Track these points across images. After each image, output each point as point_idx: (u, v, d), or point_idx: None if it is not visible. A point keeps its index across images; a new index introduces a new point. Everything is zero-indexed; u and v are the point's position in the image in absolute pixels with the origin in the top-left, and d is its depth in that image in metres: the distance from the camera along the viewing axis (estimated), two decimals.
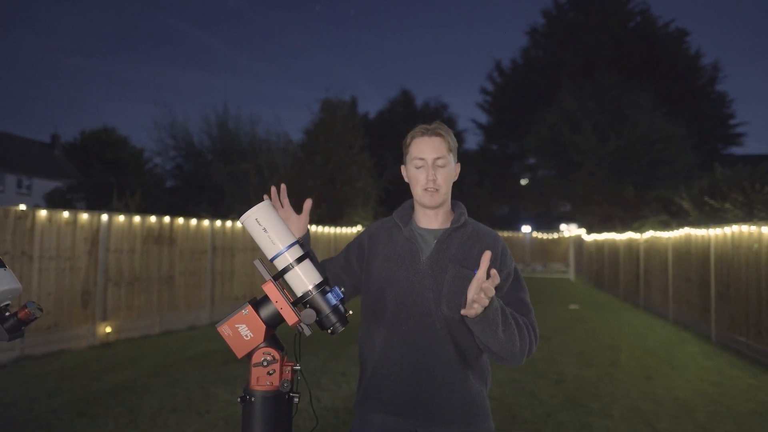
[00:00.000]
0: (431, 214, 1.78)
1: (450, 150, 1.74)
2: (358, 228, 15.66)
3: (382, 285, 1.74)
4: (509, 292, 1.70)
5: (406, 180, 1.81)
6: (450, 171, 1.74)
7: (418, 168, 1.74)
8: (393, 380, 1.68)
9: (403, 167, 1.84)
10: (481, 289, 1.42)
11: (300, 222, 1.87)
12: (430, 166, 1.71)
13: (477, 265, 1.63)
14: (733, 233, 8.18)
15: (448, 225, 1.79)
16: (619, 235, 16.75)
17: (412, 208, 1.86)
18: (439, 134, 1.73)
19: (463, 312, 1.46)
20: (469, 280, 1.63)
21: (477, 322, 1.50)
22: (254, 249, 10.35)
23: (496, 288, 1.65)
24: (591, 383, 5.98)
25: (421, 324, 1.66)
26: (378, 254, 1.80)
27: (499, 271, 1.68)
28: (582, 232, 25.55)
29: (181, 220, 9.11)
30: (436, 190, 1.71)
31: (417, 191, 1.75)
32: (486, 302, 1.43)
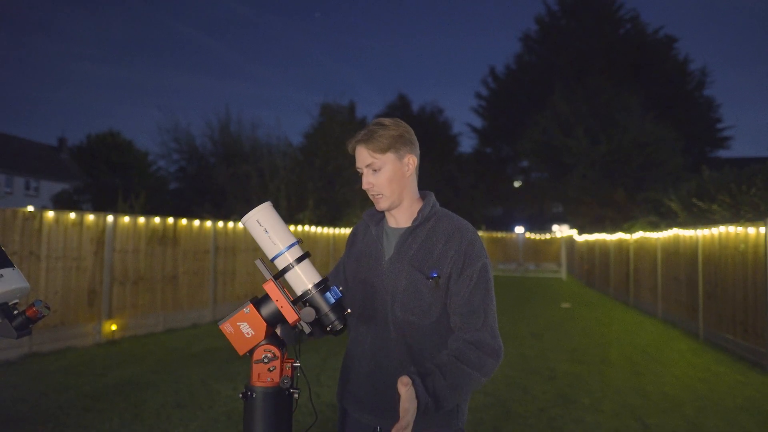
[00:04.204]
0: (394, 214, 1.74)
1: (383, 150, 1.64)
2: None
3: (352, 284, 1.77)
4: (467, 293, 1.62)
5: None
6: (390, 171, 1.66)
7: (360, 176, 1.72)
8: (357, 378, 1.71)
9: None
10: None
11: None
12: (365, 174, 1.68)
13: (436, 266, 1.62)
14: (720, 234, 8.36)
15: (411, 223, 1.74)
16: (609, 235, 16.98)
17: None
18: (360, 143, 1.66)
19: None
20: (422, 285, 1.62)
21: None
22: (255, 249, 10.46)
23: (455, 291, 1.62)
24: (582, 379, 6.12)
25: (380, 325, 1.66)
26: (353, 252, 1.83)
27: (460, 273, 1.62)
28: (574, 232, 25.87)
29: (184, 221, 9.23)
30: (379, 195, 1.68)
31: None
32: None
